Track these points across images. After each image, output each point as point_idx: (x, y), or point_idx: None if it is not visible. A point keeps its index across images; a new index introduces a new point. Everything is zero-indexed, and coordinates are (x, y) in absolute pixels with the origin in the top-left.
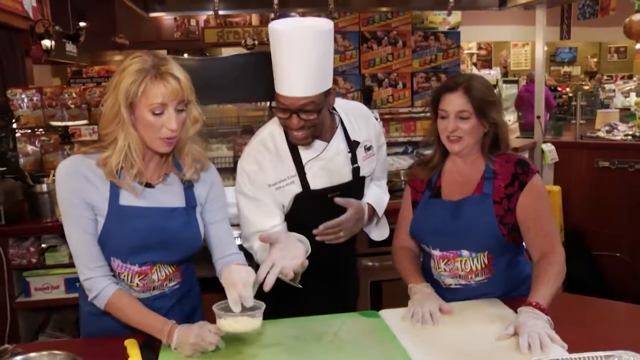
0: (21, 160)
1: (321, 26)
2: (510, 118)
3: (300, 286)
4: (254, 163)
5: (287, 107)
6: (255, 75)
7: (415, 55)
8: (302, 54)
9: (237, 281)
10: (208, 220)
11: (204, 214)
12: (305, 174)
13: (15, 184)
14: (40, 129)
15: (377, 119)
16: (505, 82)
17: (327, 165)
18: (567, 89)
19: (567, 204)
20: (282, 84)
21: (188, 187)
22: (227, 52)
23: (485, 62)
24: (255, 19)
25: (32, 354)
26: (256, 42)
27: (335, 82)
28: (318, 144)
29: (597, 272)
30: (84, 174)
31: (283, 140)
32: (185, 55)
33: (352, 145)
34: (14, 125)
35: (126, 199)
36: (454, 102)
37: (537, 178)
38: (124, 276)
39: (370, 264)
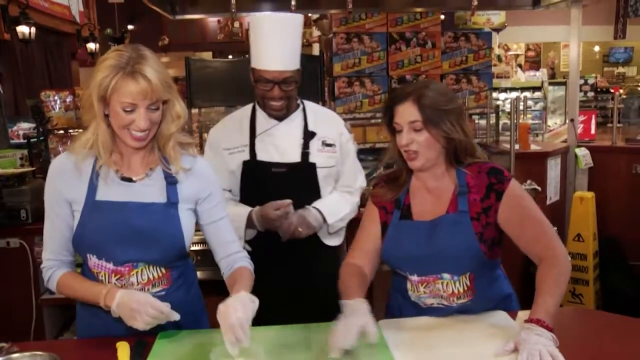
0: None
1: (296, 17)
2: (557, 121)
3: None
4: (218, 130)
5: (272, 80)
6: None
7: (445, 57)
8: (283, 36)
9: (234, 322)
10: (206, 220)
11: (201, 213)
12: (255, 145)
13: (42, 183)
14: (70, 130)
15: (348, 130)
16: (551, 84)
17: (275, 142)
18: (620, 91)
19: (602, 212)
20: (268, 60)
21: (171, 182)
22: None
23: (534, 63)
24: None
25: (14, 355)
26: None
27: (362, 84)
28: (273, 122)
29: (635, 283)
30: (68, 170)
31: (248, 117)
32: (230, 57)
33: (308, 134)
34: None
35: (103, 194)
36: (405, 113)
37: (513, 184)
38: (102, 276)
39: None
